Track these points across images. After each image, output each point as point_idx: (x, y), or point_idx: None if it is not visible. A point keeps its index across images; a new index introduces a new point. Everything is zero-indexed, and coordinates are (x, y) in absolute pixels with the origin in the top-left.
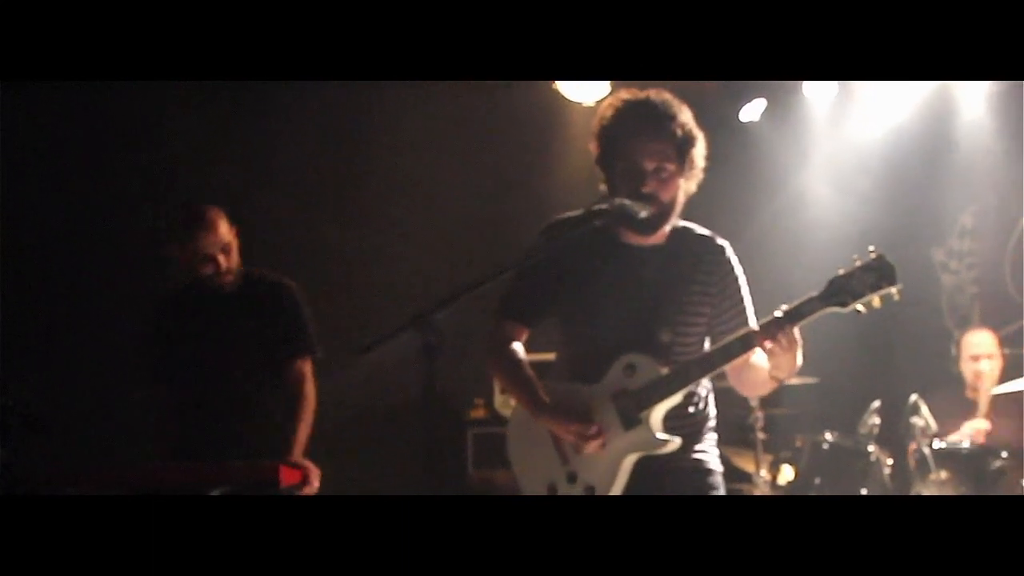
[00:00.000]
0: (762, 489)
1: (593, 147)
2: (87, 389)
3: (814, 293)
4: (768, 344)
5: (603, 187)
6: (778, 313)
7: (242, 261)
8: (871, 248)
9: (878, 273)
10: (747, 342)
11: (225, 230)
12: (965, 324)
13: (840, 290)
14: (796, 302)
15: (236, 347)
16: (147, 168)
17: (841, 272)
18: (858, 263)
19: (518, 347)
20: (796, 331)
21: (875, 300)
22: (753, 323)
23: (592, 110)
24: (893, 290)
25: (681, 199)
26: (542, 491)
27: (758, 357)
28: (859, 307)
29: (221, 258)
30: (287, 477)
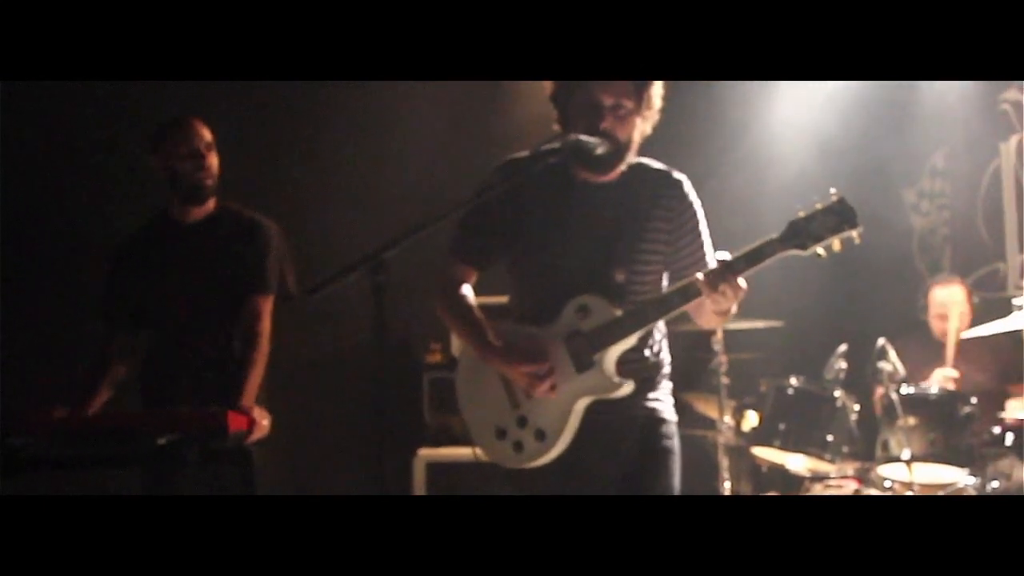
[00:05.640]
0: (726, 436)
1: (548, 83)
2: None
3: (774, 235)
4: (713, 291)
5: (556, 127)
6: (727, 257)
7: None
8: (832, 190)
9: (839, 216)
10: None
11: (203, 131)
12: (936, 268)
13: (800, 232)
14: (755, 243)
15: (198, 282)
16: (146, 167)
17: (801, 214)
18: (819, 206)
19: (467, 289)
20: (741, 280)
21: (835, 243)
22: (711, 259)
23: None
24: (854, 233)
25: (637, 139)
26: (491, 436)
27: None
28: (819, 250)
29: (206, 156)
30: (234, 423)
